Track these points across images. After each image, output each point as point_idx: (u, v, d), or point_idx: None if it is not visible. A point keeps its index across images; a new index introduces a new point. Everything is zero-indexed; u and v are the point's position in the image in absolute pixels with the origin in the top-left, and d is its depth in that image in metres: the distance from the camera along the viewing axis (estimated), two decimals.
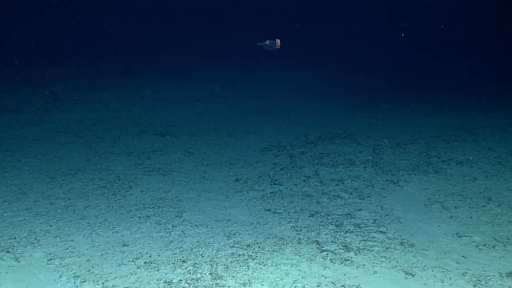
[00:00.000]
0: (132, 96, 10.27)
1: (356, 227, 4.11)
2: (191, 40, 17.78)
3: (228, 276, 3.30)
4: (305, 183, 5.25)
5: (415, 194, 4.96)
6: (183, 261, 3.51)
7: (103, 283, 3.22)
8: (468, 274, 3.41)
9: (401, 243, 3.85)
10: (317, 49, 16.22)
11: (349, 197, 4.82)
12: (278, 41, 5.04)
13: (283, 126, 8.17)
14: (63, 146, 6.55)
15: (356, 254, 3.64)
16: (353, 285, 3.23)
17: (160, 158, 6.17)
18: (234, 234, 3.97)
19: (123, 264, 3.48)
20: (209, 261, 3.52)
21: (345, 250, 3.70)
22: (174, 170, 5.70)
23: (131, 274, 3.34)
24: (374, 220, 4.27)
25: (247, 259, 3.55)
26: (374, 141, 6.84)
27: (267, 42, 5.14)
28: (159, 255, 3.60)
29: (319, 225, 4.16)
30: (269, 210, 4.53)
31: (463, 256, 3.69)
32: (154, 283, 3.23)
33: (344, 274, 3.37)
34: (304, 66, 14.87)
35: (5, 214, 4.28)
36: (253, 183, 5.27)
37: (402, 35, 15.03)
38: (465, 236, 4.02)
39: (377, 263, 3.52)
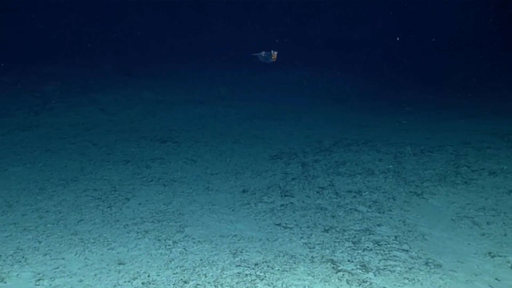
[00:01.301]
0: (130, 98, 10.32)
1: (376, 245, 4.06)
2: (196, 39, 17.87)
3: None
4: (319, 194, 5.21)
5: (442, 208, 4.89)
6: (185, 282, 3.49)
7: None
8: None
9: (426, 263, 3.78)
10: (331, 48, 16.22)
11: (367, 211, 4.77)
12: (274, 53, 5.07)
13: (294, 131, 8.14)
14: (54, 153, 6.58)
15: (375, 275, 3.59)
16: None
17: (160, 166, 6.17)
18: (241, 252, 3.93)
19: (118, 285, 3.46)
20: (213, 281, 3.49)
21: (363, 270, 3.65)
22: (175, 180, 5.69)
23: None
24: (396, 237, 4.21)
25: (254, 279, 3.52)
26: (396, 148, 6.78)
27: (263, 53, 5.16)
28: (158, 275, 3.57)
29: (334, 241, 4.12)
30: (279, 224, 4.49)
31: (496, 279, 3.61)
32: None
33: None
34: (317, 66, 14.85)
35: None
36: (262, 195, 5.24)
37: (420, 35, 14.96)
38: (499, 256, 3.94)
39: (399, 286, 3.46)
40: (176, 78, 12.93)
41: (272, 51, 5.13)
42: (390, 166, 6.03)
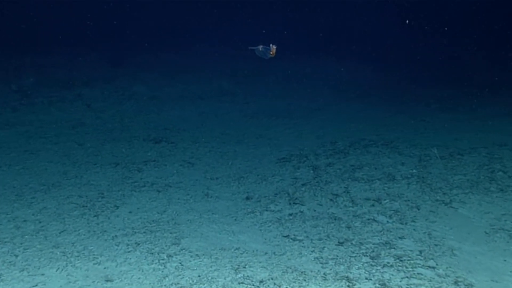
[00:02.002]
0: (120, 93, 10.34)
1: (397, 260, 4.03)
2: (195, 25, 17.89)
3: None
4: (333, 202, 5.18)
5: (474, 219, 4.85)
6: None
7: None
8: None
9: (455, 282, 3.75)
10: (346, 37, 16.19)
11: (388, 222, 4.74)
12: (273, 47, 5.06)
13: (305, 130, 8.12)
14: (34, 155, 6.59)
15: None
16: None
17: (154, 170, 6.17)
18: (244, 267, 3.92)
19: None
20: None
21: None
22: (170, 185, 5.69)
23: None
24: (420, 252, 4.18)
25: None
26: (420, 150, 6.74)
27: (260, 47, 5.16)
28: None
29: (350, 256, 4.09)
30: (287, 236, 4.47)
31: None
32: None
33: None
34: (330, 57, 14.83)
35: None
36: (268, 202, 5.22)
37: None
38: None
39: None
40: (172, 70, 12.93)
41: (271, 45, 5.12)
42: (414, 171, 5.99)
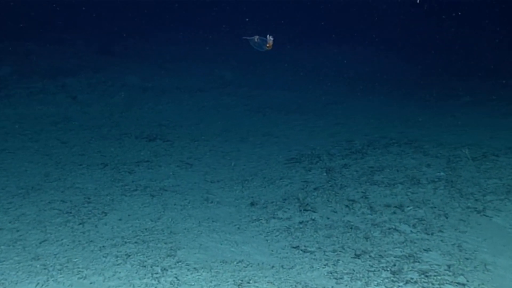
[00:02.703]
0: (109, 84, 10.37)
1: (422, 276, 4.01)
2: (193, 8, 17.89)
3: None
4: (349, 209, 5.17)
5: (510, 229, 4.82)
6: None
7: None
8: None
9: None
10: (364, 23, 16.14)
11: (411, 231, 4.72)
12: (270, 39, 5.05)
13: (317, 127, 8.11)
14: (11, 154, 6.62)
15: None
16: None
17: (147, 171, 6.17)
18: (248, 282, 3.91)
19: None
20: None
21: None
22: (166, 189, 5.69)
23: None
24: (449, 266, 4.16)
25: None
26: (449, 151, 6.72)
27: (256, 38, 5.16)
28: None
29: (368, 270, 4.07)
30: (297, 247, 4.46)
31: None
32: None
33: None
34: (345, 44, 14.80)
35: None
36: (275, 209, 5.22)
37: None
38: None
39: None
40: (168, 58, 12.96)
41: (268, 36, 5.12)
42: (442, 174, 5.97)
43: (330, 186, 5.74)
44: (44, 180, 5.81)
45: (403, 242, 4.54)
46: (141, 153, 6.77)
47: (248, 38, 5.22)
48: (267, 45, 5.15)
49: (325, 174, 6.10)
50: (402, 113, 9.02)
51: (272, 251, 4.42)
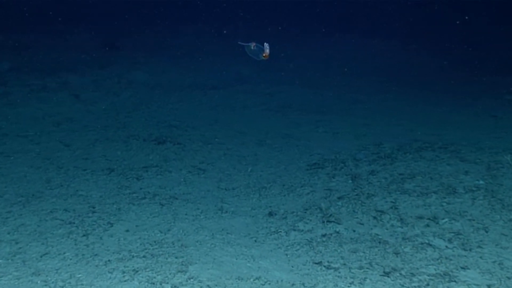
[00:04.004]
0: (115, 81, 10.43)
1: None
2: None
3: None
4: (376, 221, 5.14)
5: None
6: None
7: None
8: None
9: None
10: (387, 12, 16.05)
11: (447, 247, 4.68)
12: (267, 48, 5.04)
13: (342, 129, 8.08)
14: (10, 158, 6.67)
15: None
16: None
17: (156, 178, 6.19)
18: None
19: None
20: None
21: None
22: (176, 197, 5.70)
23: None
24: (489, 286, 4.11)
25: None
26: (489, 156, 6.65)
27: (253, 45, 5.14)
28: None
29: None
30: (319, 263, 4.45)
31: None
32: None
33: None
34: (370, 37, 14.72)
35: None
36: (296, 220, 5.21)
37: None
38: None
39: None
40: (179, 53, 12.99)
41: (265, 45, 5.10)
42: (481, 182, 5.91)
43: (356, 195, 5.70)
44: (45, 187, 5.85)
45: (437, 259, 4.50)
46: (149, 157, 6.79)
47: (243, 44, 5.21)
48: (264, 54, 5.14)
49: (350, 181, 6.07)
50: (436, 113, 8.95)
51: (292, 267, 4.41)
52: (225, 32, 15.04)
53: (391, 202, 5.52)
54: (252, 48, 5.18)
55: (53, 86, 9.84)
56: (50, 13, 14.94)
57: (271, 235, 4.94)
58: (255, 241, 4.83)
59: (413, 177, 6.08)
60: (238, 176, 6.32)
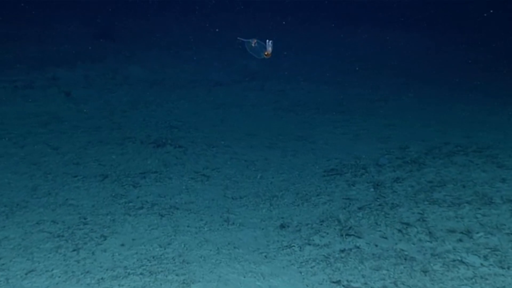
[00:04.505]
0: (110, 77, 10.45)
1: None
2: None
3: None
4: (402, 235, 5.12)
5: None
6: None
7: None
8: None
9: None
10: (411, 0, 16.04)
11: (482, 264, 4.66)
12: (269, 46, 5.00)
13: (363, 131, 8.06)
14: None
15: None
16: None
17: (155, 185, 6.19)
18: None
19: None
20: None
21: None
22: (177, 207, 5.70)
23: None
24: None
25: None
26: None
27: (253, 42, 5.11)
28: None
29: None
30: (337, 282, 4.44)
31: None
32: None
33: None
34: (392, 27, 14.69)
35: None
36: (311, 233, 5.19)
37: None
38: None
39: None
40: (181, 44, 13.01)
41: (267, 42, 5.07)
42: None
43: (379, 205, 5.68)
44: (31, 196, 5.85)
45: (471, 278, 4.48)
46: (147, 162, 6.80)
47: (243, 40, 5.18)
48: (266, 52, 5.11)
49: (372, 189, 6.05)
50: (468, 112, 8.92)
51: (307, 286, 4.40)
52: (231, 22, 15.04)
53: (419, 213, 5.49)
54: (253, 45, 5.16)
55: (40, 82, 9.87)
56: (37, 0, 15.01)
57: (283, 250, 4.92)
58: (265, 256, 4.82)
59: (443, 185, 6.06)
60: (246, 184, 6.31)
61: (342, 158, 6.99)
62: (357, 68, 11.98)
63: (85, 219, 5.40)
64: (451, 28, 14.55)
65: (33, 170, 6.48)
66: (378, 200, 5.81)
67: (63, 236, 5.08)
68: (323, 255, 4.82)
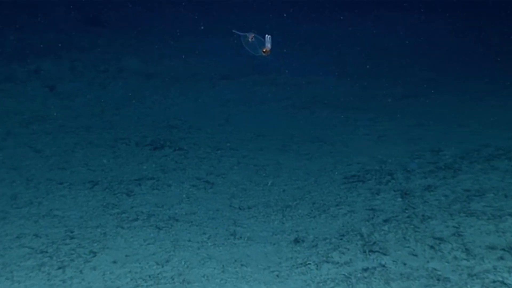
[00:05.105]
0: (101, 69, 10.49)
1: None
2: None
3: None
4: (434, 252, 5.09)
5: None
6: None
7: None
8: None
9: None
10: None
11: None
12: (268, 42, 5.00)
13: (389, 131, 8.06)
14: None
15: None
16: None
17: (152, 193, 6.20)
18: None
19: None
20: None
21: None
22: (177, 218, 5.71)
23: None
24: None
25: None
26: None
27: (250, 37, 5.11)
28: None
29: None
30: None
31: None
32: None
33: None
34: (421, 14, 14.68)
35: None
36: (329, 249, 5.18)
37: None
38: None
39: None
40: (180, 32, 13.03)
41: (266, 37, 5.06)
42: None
43: (407, 217, 5.66)
44: (11, 205, 5.87)
45: None
46: (143, 167, 6.81)
47: (239, 33, 5.17)
48: (264, 49, 5.10)
49: (399, 199, 6.03)
50: (511, 110, 8.89)
51: None
52: (240, 6, 15.07)
53: (454, 227, 5.46)
54: (249, 40, 5.14)
55: (21, 74, 9.90)
56: None
57: (297, 268, 4.91)
58: (277, 276, 4.81)
59: (482, 195, 6.03)
60: (256, 192, 6.30)
61: (365, 162, 6.98)
62: (381, 60, 11.96)
63: (71, 232, 5.40)
64: (489, 14, 14.51)
65: (13, 176, 6.50)
66: (406, 211, 5.78)
67: (46, 252, 5.08)
68: (343, 275, 4.80)
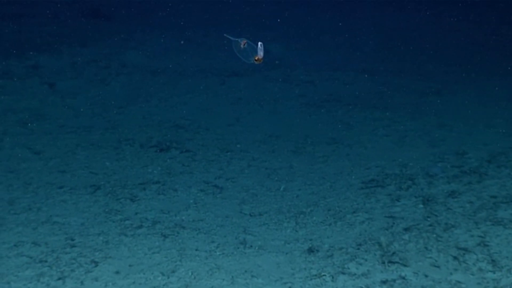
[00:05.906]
0: (103, 65, 10.50)
1: None
2: None
3: None
4: (458, 263, 5.08)
5: None
6: None
7: None
8: None
9: None
10: None
11: None
12: (260, 50, 5.00)
13: (410, 131, 8.05)
14: None
15: None
16: None
17: (157, 199, 6.21)
18: None
19: None
20: None
21: None
22: (184, 225, 5.71)
23: None
24: None
25: None
26: None
27: (243, 43, 5.10)
28: None
29: None
30: None
31: None
32: None
33: None
34: (446, 5, 14.62)
35: None
36: (346, 259, 5.17)
37: None
38: None
39: None
40: (188, 24, 13.03)
41: (259, 45, 5.05)
42: None
43: (430, 225, 5.65)
44: (8, 211, 5.88)
45: None
46: (148, 170, 6.81)
47: (231, 38, 5.17)
48: (256, 57, 5.10)
49: (421, 206, 6.02)
50: None
51: None
52: None
53: (479, 236, 5.45)
54: (241, 46, 5.14)
55: (19, 71, 9.93)
56: None
57: (311, 279, 4.90)
58: (290, 287, 4.80)
59: (510, 201, 6.02)
60: (267, 197, 6.30)
61: (384, 166, 6.97)
62: (401, 54, 11.94)
63: (72, 240, 5.41)
64: None
65: (10, 180, 6.51)
66: (428, 219, 5.77)
67: (46, 261, 5.10)
68: (361, 287, 4.80)
